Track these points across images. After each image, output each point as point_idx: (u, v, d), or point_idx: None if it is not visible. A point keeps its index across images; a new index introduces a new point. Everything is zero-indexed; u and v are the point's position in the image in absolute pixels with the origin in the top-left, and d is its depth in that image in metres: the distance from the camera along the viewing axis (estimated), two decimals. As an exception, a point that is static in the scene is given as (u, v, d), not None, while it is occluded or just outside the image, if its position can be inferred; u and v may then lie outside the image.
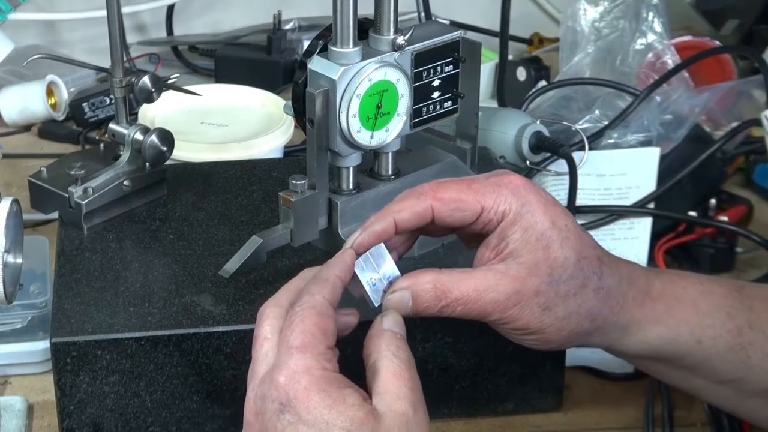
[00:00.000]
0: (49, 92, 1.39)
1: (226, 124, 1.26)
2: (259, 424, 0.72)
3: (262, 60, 1.48)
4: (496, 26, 1.31)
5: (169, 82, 1.04)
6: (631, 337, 0.82)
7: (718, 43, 1.40)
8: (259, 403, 0.72)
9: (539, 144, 1.18)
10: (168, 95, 1.07)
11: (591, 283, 0.79)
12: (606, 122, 1.23)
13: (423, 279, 0.77)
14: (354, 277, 0.79)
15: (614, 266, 0.81)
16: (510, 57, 1.37)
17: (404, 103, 0.94)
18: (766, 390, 0.83)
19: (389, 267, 0.79)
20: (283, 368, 0.71)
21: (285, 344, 0.73)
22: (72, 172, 1.01)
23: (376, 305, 0.79)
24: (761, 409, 0.85)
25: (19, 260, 0.85)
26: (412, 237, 0.82)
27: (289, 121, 1.22)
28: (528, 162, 1.18)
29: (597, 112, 1.25)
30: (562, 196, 1.15)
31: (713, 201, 1.16)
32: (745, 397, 0.84)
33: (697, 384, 0.85)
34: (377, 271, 0.79)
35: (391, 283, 0.79)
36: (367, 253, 0.79)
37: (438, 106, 0.97)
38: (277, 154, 1.22)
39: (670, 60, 1.34)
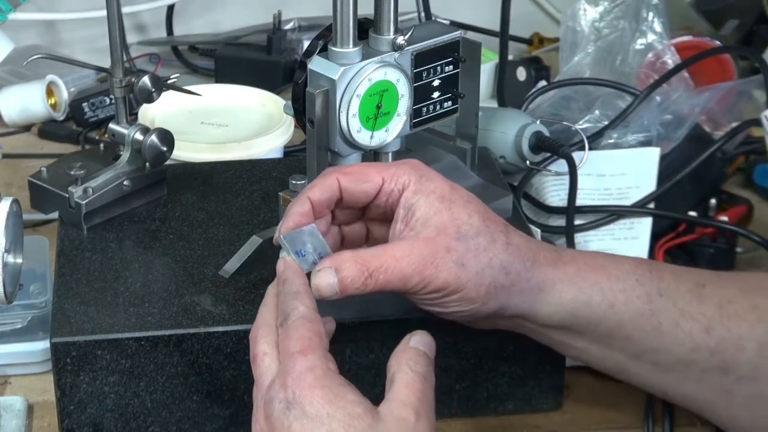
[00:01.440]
0: (49, 92, 1.39)
1: (226, 124, 1.26)
2: (269, 426, 0.74)
3: (262, 60, 1.48)
4: (496, 26, 1.31)
5: (169, 82, 1.04)
6: (547, 299, 0.84)
7: (718, 43, 1.40)
8: (268, 409, 0.74)
9: (539, 144, 1.18)
10: (168, 95, 1.07)
11: (499, 239, 0.83)
12: (606, 122, 1.23)
13: (343, 256, 0.82)
14: None
15: (521, 233, 0.86)
16: (510, 57, 1.37)
17: (404, 103, 0.94)
18: (680, 361, 0.85)
19: (319, 243, 0.83)
20: (289, 372, 0.74)
21: (285, 352, 0.76)
22: (72, 172, 1.01)
23: (304, 270, 0.82)
24: (680, 383, 0.87)
25: (19, 260, 0.85)
26: (335, 226, 0.87)
27: (289, 121, 1.22)
28: (528, 162, 1.18)
29: (597, 112, 1.25)
30: (562, 196, 1.15)
31: (713, 201, 1.16)
32: (662, 371, 0.87)
33: (618, 360, 0.87)
34: (305, 244, 0.83)
35: (321, 257, 0.82)
36: (295, 231, 0.83)
37: (438, 106, 0.97)
38: (277, 154, 1.22)
39: (670, 60, 1.34)
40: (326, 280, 0.81)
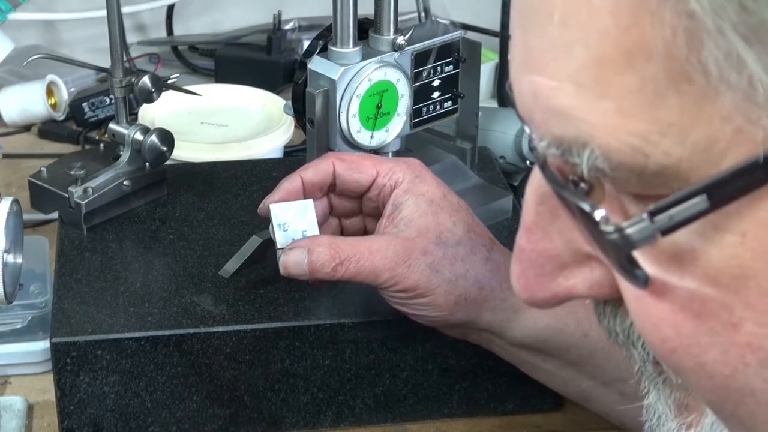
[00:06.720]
0: (49, 92, 1.39)
1: (226, 124, 1.26)
2: None
3: (262, 60, 1.48)
4: (496, 26, 1.31)
5: (169, 82, 1.04)
6: (521, 322, 0.84)
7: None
8: None
9: (539, 144, 1.18)
10: (168, 95, 1.07)
11: (480, 252, 0.83)
12: (606, 122, 1.23)
13: (320, 240, 0.83)
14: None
15: (505, 251, 0.85)
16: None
17: (404, 103, 0.94)
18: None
19: (309, 223, 0.84)
20: None
21: None
22: (72, 172, 1.01)
23: (279, 247, 0.83)
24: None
25: (19, 260, 0.85)
26: (335, 218, 0.89)
27: (289, 121, 1.22)
28: (528, 162, 1.18)
29: (597, 112, 1.25)
30: (562, 196, 1.15)
31: (713, 201, 1.16)
32: (629, 401, 0.86)
33: (585, 386, 0.87)
34: (294, 220, 0.84)
35: (304, 236, 0.83)
36: (293, 202, 0.84)
37: (438, 106, 0.97)
38: (277, 154, 1.22)
39: (670, 60, 1.34)
40: (295, 258, 0.81)
